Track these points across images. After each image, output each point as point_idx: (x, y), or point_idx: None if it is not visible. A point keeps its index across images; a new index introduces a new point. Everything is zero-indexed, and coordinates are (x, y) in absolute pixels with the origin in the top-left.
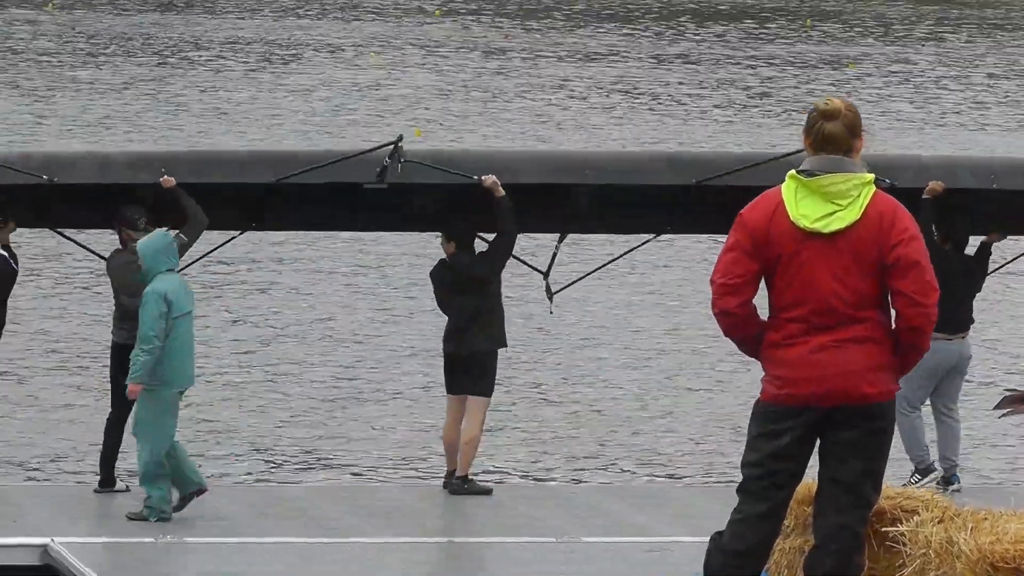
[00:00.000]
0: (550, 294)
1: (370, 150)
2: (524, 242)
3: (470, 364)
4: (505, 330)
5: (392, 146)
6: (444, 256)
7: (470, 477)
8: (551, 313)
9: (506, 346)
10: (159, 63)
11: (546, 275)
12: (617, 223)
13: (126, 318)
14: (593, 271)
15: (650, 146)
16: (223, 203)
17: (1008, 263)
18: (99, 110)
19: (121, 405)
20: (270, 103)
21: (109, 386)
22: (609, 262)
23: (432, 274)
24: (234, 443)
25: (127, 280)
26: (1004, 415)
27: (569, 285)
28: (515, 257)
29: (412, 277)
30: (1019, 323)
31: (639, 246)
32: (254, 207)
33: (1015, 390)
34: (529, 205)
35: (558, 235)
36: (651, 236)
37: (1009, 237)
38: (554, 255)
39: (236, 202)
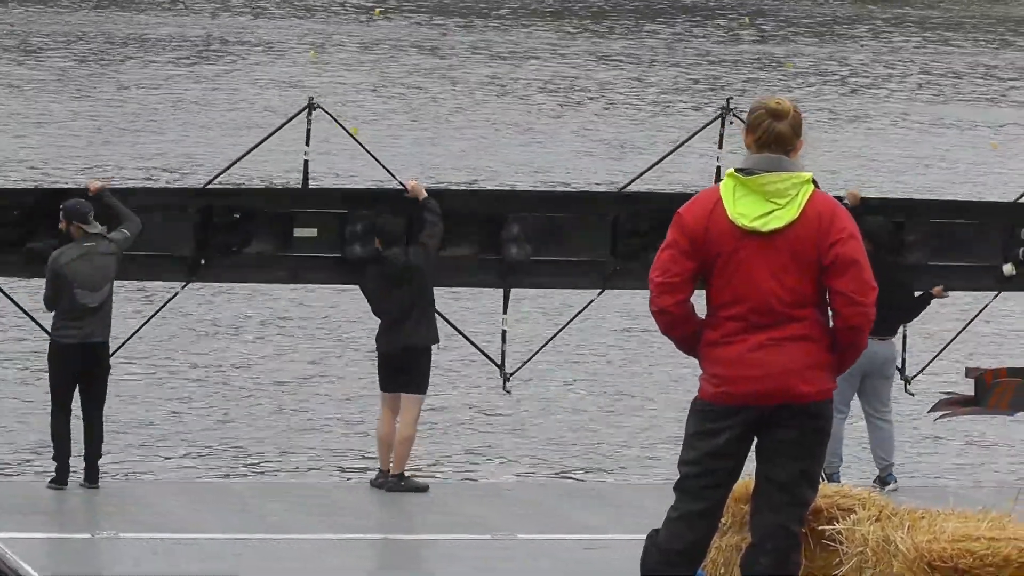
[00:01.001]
0: (506, 379)
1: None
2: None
3: (405, 361)
4: (438, 328)
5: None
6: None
7: (406, 474)
8: (507, 392)
9: (439, 343)
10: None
11: (501, 368)
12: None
13: (84, 316)
14: (544, 345)
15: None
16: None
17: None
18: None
19: (67, 404)
20: (202, 100)
21: (50, 388)
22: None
23: (365, 288)
24: (170, 439)
25: (85, 273)
26: (940, 418)
27: (522, 366)
28: (476, 347)
29: None
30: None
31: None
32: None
33: (952, 393)
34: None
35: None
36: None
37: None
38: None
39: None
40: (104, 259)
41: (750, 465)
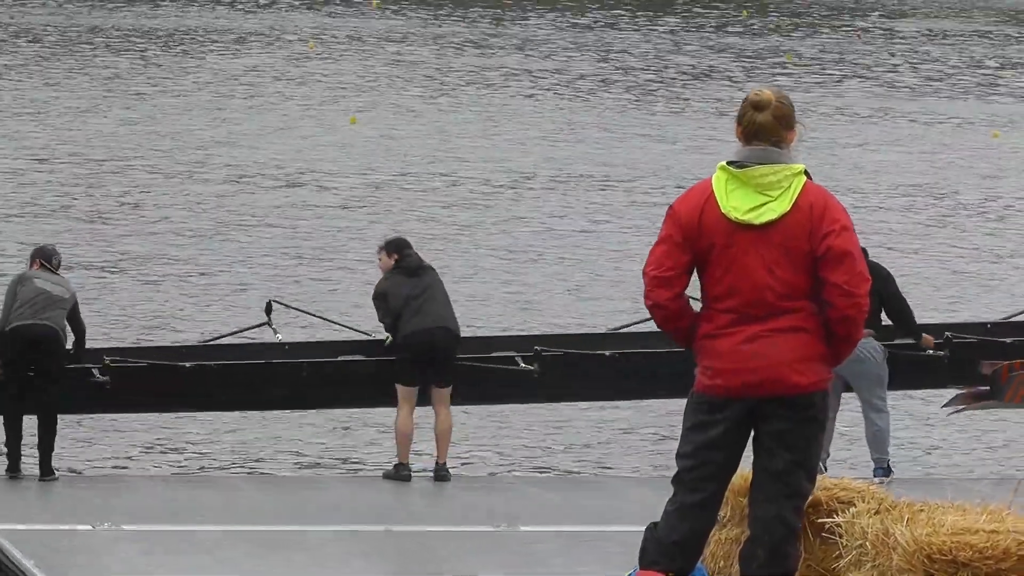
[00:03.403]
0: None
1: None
2: None
3: (443, 356)
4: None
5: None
6: (382, 271)
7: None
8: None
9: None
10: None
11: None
12: None
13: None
14: None
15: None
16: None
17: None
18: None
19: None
20: (203, 90)
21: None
22: None
23: (384, 292)
24: (173, 433)
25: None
26: (954, 412)
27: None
28: None
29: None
30: None
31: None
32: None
33: (967, 388)
34: None
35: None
36: None
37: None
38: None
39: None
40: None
41: (750, 458)
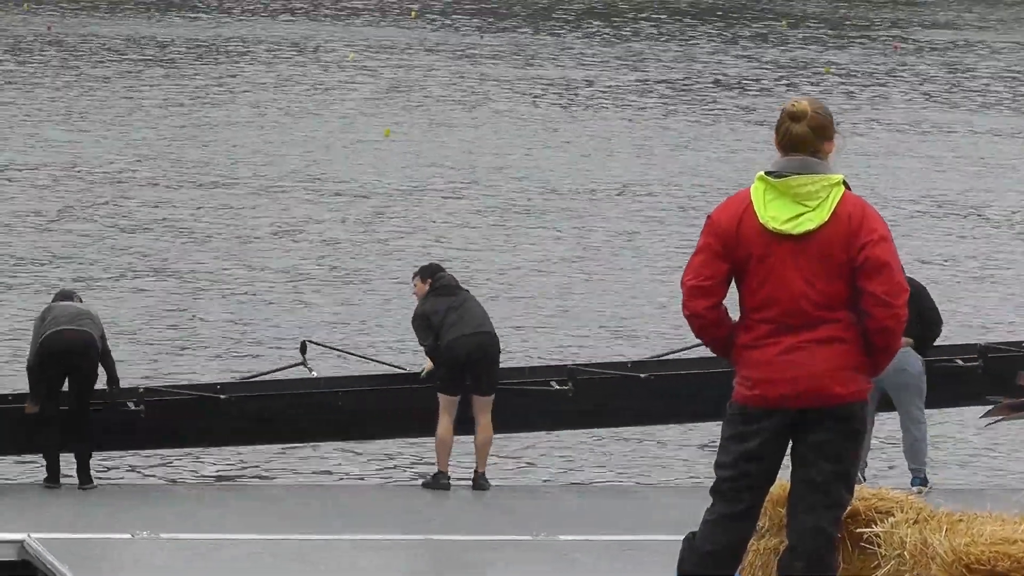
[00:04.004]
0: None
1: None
2: None
3: (488, 367)
4: None
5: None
6: (417, 297)
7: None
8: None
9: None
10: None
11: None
12: None
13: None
14: None
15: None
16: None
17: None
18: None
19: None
20: (238, 98)
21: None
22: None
23: (424, 312)
24: None
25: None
26: (994, 423)
27: None
28: None
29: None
30: None
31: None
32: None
33: (1005, 398)
34: None
35: None
36: None
37: None
38: None
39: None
40: None
41: (788, 468)
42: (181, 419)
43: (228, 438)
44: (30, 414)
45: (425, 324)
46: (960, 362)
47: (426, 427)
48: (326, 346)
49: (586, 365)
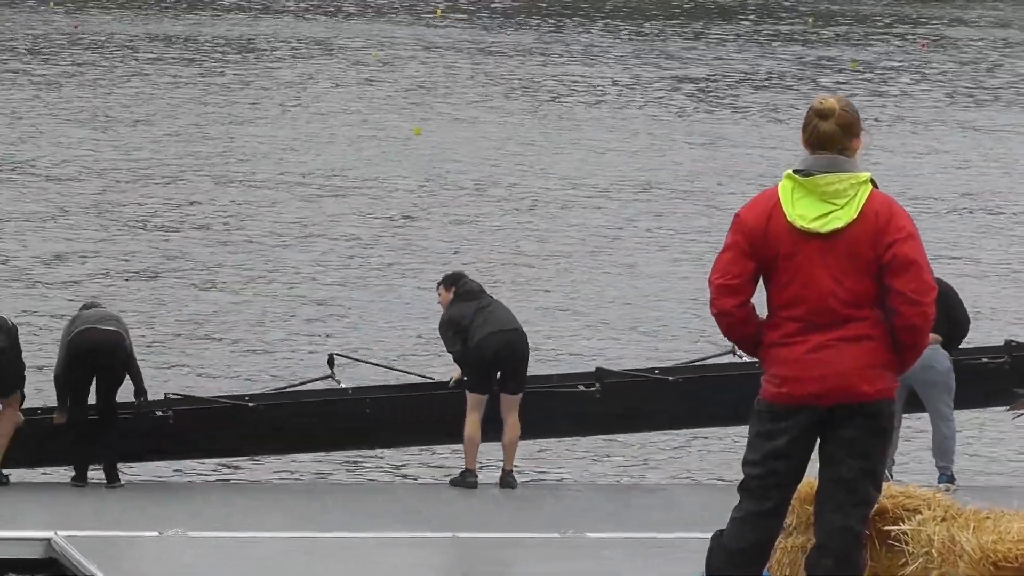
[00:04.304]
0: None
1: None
2: None
3: (517, 364)
4: None
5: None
6: (443, 306)
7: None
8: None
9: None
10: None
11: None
12: None
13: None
14: None
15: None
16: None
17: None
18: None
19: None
20: (263, 97)
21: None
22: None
23: (451, 318)
24: None
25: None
26: (1018, 415)
27: None
28: None
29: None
30: None
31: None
32: None
33: None
34: None
35: None
36: None
37: None
38: None
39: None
40: None
41: (816, 466)
42: (210, 428)
43: (257, 447)
44: (59, 424)
45: (452, 330)
46: (986, 360)
47: (454, 434)
48: (352, 358)
49: (614, 372)
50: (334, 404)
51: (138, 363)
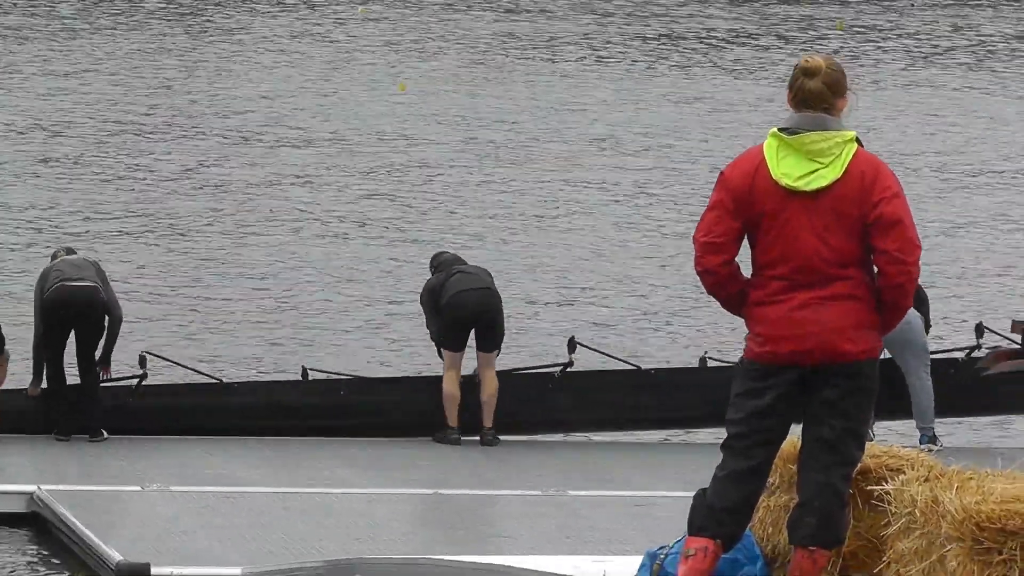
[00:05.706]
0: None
1: None
2: None
3: (491, 319)
4: None
5: None
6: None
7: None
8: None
9: None
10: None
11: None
12: None
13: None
14: None
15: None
16: None
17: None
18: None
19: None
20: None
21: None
22: None
23: (430, 287)
24: None
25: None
26: (989, 373)
27: None
28: None
29: None
30: None
31: None
32: None
33: (997, 347)
34: None
35: None
36: None
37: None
38: None
39: None
40: None
41: (800, 426)
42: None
43: (240, 429)
44: (33, 396)
45: (431, 298)
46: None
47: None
48: (327, 372)
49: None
50: (327, 392)
51: (120, 310)
